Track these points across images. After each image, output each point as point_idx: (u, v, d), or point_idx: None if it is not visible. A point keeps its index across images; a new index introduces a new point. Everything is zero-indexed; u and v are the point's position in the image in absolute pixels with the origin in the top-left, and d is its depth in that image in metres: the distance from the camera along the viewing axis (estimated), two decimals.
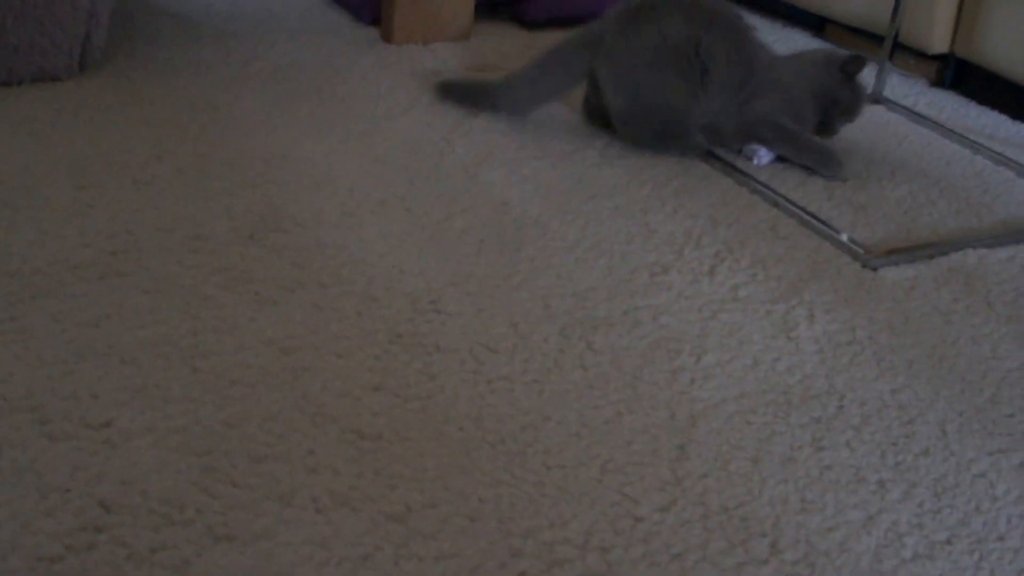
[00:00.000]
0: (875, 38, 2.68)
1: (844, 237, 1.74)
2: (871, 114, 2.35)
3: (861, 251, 1.72)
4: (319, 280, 1.47)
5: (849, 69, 2.04)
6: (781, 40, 2.74)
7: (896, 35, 2.42)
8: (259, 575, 1.01)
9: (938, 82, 2.62)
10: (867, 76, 2.45)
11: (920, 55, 2.62)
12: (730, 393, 1.35)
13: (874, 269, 1.70)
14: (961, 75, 2.58)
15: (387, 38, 2.42)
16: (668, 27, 1.93)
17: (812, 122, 2.06)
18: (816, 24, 2.90)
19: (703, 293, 1.56)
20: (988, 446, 1.32)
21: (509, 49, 2.46)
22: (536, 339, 1.41)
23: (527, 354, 1.37)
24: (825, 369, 1.43)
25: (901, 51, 2.63)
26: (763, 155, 2.04)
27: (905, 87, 2.56)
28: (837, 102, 2.05)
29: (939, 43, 2.52)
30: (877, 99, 2.44)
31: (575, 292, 1.52)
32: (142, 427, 1.18)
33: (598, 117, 2.06)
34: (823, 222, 1.79)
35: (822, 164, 2.01)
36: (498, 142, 1.95)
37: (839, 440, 1.30)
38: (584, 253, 1.62)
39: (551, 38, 2.54)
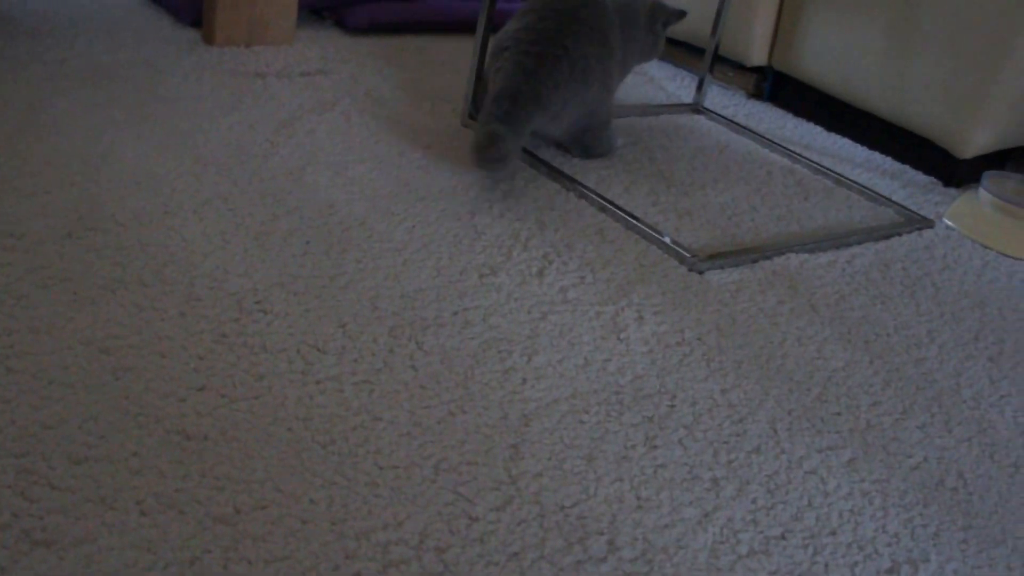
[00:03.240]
0: (696, 51, 2.71)
1: (668, 239, 1.75)
2: (693, 123, 2.37)
3: (687, 255, 1.72)
4: (140, 279, 1.42)
5: (669, 21, 2.13)
6: None
7: (716, 48, 2.44)
8: None
9: (756, 94, 2.66)
10: (688, 86, 2.48)
11: (739, 67, 2.65)
12: (562, 393, 1.34)
13: (700, 272, 1.71)
14: (778, 88, 2.62)
15: (208, 40, 2.36)
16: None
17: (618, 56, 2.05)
18: None
19: (532, 294, 1.55)
20: (817, 443, 1.33)
21: (331, 54, 2.42)
22: (365, 339, 1.37)
23: (356, 354, 1.34)
24: (656, 369, 1.42)
25: (721, 63, 2.66)
26: None
27: (725, 98, 2.60)
28: (638, 42, 2.12)
29: (757, 56, 2.56)
30: (698, 109, 2.46)
31: (404, 293, 1.49)
32: None
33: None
34: (649, 226, 1.80)
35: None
36: (322, 145, 1.91)
37: (672, 439, 1.29)
38: (412, 255, 1.60)
39: (373, 44, 2.52)
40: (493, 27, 2.06)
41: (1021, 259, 1.99)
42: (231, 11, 2.33)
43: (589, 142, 2.04)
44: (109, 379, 1.21)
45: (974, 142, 2.21)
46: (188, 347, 1.30)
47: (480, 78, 2.08)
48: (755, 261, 1.78)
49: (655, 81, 2.64)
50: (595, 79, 1.97)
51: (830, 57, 2.41)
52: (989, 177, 2.13)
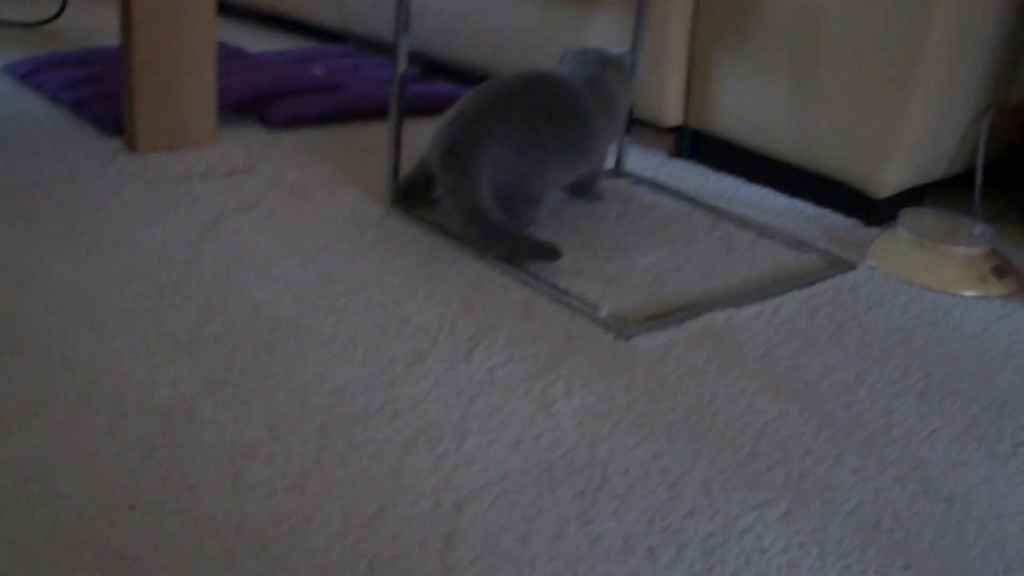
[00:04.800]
0: None
1: (603, 313, 1.75)
2: (616, 187, 2.37)
3: (613, 322, 1.72)
4: (67, 400, 1.40)
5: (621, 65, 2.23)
6: None
7: (631, 112, 2.45)
8: None
9: (676, 153, 2.67)
10: (610, 153, 2.49)
11: (657, 128, 2.67)
12: (494, 475, 1.33)
13: (628, 338, 1.70)
14: (697, 145, 2.63)
15: (131, 147, 2.35)
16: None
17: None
18: None
19: (461, 377, 1.54)
20: (752, 499, 1.33)
21: (255, 151, 2.42)
22: (295, 440, 1.36)
23: (286, 456, 1.33)
24: (587, 441, 1.42)
25: (639, 126, 2.68)
26: None
27: (646, 159, 2.61)
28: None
29: (673, 116, 2.58)
30: (620, 173, 2.47)
31: (332, 388, 1.48)
32: None
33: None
34: (574, 297, 1.80)
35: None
36: (247, 245, 1.91)
37: (606, 511, 1.28)
38: (339, 348, 1.59)
39: (295, 138, 2.52)
40: (407, 109, 2.07)
41: (943, 291, 2.00)
42: (151, 117, 2.33)
43: (507, 209, 2.01)
44: (38, 506, 1.20)
45: (887, 182, 2.23)
46: (117, 465, 1.28)
47: (396, 164, 2.08)
48: (682, 321, 1.78)
49: None
50: (526, 152, 2.00)
51: (743, 111, 2.42)
52: (906, 215, 2.15)
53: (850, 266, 2.08)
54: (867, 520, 1.31)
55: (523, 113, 2.02)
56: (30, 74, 2.80)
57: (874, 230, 2.29)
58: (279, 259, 1.87)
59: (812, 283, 1.99)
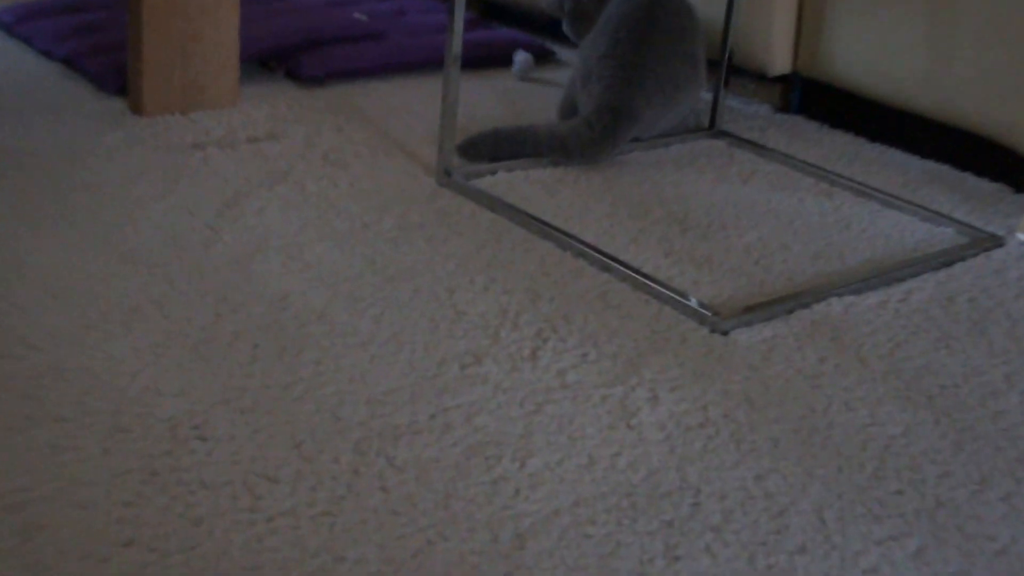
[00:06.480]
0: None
1: (694, 302, 1.73)
2: (711, 150, 2.36)
3: (708, 313, 1.70)
4: (57, 414, 1.39)
5: None
6: None
7: (730, 58, 2.43)
8: None
9: (783, 107, 2.65)
10: (703, 109, 2.46)
11: (761, 78, 2.64)
12: (563, 502, 1.30)
13: (724, 333, 1.69)
14: (809, 97, 2.61)
15: (137, 110, 2.35)
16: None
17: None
18: None
19: (525, 383, 1.52)
20: (876, 533, 1.30)
21: (283, 113, 2.41)
22: (325, 460, 1.34)
23: (314, 480, 1.31)
24: (675, 460, 1.39)
25: (738, 76, 2.65)
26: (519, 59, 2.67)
27: (746, 116, 2.59)
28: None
29: (779, 63, 2.55)
30: (716, 133, 2.45)
31: (371, 397, 1.47)
32: None
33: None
34: (661, 283, 1.78)
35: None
36: (274, 225, 1.90)
37: (697, 546, 1.26)
38: (380, 349, 1.57)
39: (330, 96, 2.51)
40: (465, 60, 2.09)
41: None
42: (161, 74, 2.33)
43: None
44: (16, 542, 1.19)
45: None
46: (112, 492, 1.27)
47: (452, 128, 2.07)
48: (790, 312, 1.76)
49: None
50: (684, 85, 2.33)
51: (864, 56, 2.39)
52: None
53: (996, 242, 2.05)
54: (1021, 562, 1.28)
55: (670, 58, 2.29)
56: (17, 23, 2.81)
57: None
58: (310, 242, 1.86)
59: (949, 264, 1.96)
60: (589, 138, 2.22)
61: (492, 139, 2.25)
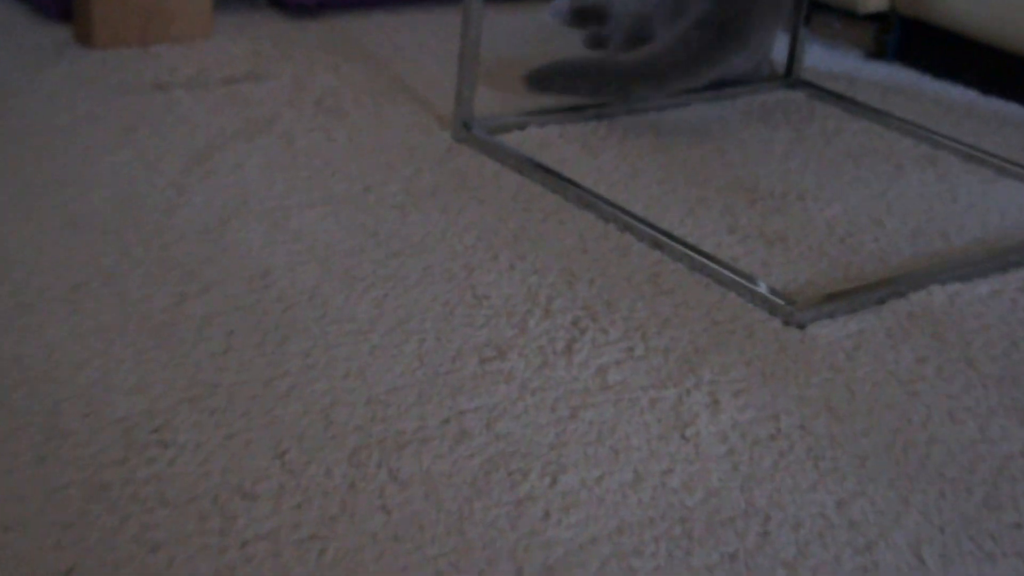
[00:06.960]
0: None
1: (764, 288, 1.73)
2: (787, 103, 2.36)
3: (781, 302, 1.71)
4: None
5: None
6: None
7: None
8: None
9: (877, 52, 2.65)
10: (778, 50, 2.47)
11: (850, 16, 2.64)
12: (603, 528, 1.31)
13: (801, 326, 1.69)
14: (908, 40, 2.61)
15: (85, 40, 2.36)
16: None
17: None
18: None
19: (558, 382, 1.53)
20: (988, 573, 1.29)
21: (266, 48, 2.42)
22: (314, 472, 1.35)
23: (301, 497, 1.31)
24: (739, 479, 1.39)
25: (822, 13, 2.65)
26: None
27: (832, 62, 2.60)
28: None
29: (874, 0, 2.55)
30: (794, 82, 2.45)
31: (371, 397, 1.47)
32: None
33: None
34: (724, 264, 1.78)
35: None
36: (254, 185, 1.91)
37: None
38: (382, 339, 1.58)
39: (323, 29, 2.51)
40: None
41: None
42: None
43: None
44: None
45: None
46: (48, 511, 1.27)
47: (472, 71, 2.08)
48: (882, 301, 1.76)
49: None
50: (782, 13, 2.38)
51: None
52: None
53: None
54: None
55: None
56: None
57: None
58: (298, 207, 1.87)
59: None
60: (687, 57, 2.21)
61: (568, 68, 2.26)
